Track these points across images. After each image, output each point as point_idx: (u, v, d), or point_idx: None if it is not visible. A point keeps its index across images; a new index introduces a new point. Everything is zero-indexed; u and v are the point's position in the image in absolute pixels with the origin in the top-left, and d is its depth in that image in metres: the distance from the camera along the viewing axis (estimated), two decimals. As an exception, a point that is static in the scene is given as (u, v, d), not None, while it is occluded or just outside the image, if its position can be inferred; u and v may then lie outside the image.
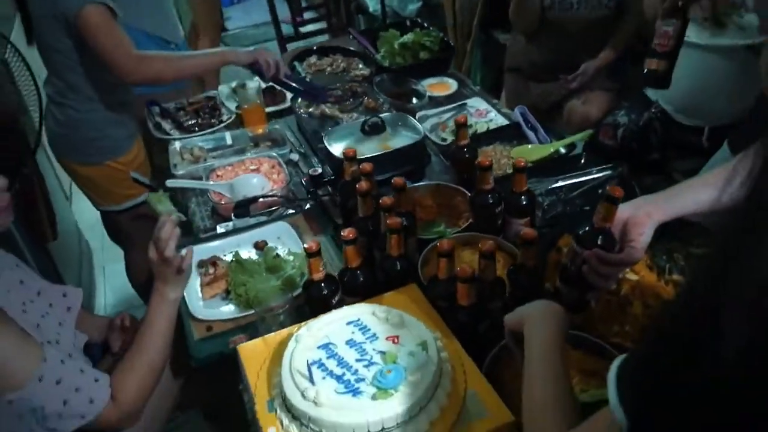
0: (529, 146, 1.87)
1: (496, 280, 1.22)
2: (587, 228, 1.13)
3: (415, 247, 1.43)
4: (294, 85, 2.14)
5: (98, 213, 2.37)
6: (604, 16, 2.37)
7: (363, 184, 1.35)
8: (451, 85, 2.25)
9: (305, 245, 1.20)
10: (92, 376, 1.21)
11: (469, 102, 2.16)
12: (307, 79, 2.31)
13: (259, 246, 1.53)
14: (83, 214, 3.24)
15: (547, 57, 2.49)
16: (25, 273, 1.37)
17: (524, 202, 1.42)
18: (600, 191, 1.62)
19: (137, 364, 1.26)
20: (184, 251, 1.33)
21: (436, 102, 2.16)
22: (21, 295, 1.29)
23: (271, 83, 2.16)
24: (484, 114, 2.10)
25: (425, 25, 2.56)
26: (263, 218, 1.68)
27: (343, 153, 1.48)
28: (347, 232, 1.22)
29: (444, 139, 1.94)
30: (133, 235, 2.32)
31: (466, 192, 1.60)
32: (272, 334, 1.18)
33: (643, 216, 1.07)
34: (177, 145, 2.00)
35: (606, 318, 1.27)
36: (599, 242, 1.10)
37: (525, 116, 2.00)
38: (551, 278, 1.30)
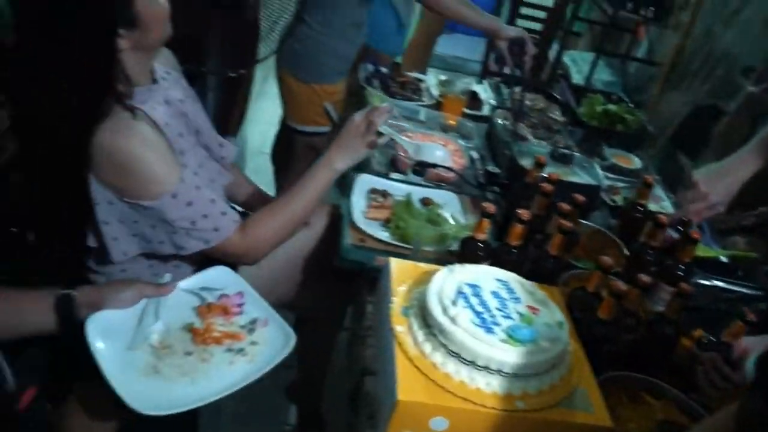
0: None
1: (638, 314, 1.26)
2: (714, 337, 1.28)
3: (564, 264, 1.49)
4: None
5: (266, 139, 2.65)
6: None
7: (546, 186, 1.46)
8: (635, 162, 2.29)
9: (484, 204, 1.30)
10: (221, 208, 1.35)
11: (647, 184, 2.19)
12: (504, 104, 2.45)
13: (426, 202, 1.65)
14: (252, 135, 3.54)
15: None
16: (196, 107, 1.47)
17: (682, 273, 1.45)
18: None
19: (280, 209, 1.41)
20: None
21: (616, 169, 2.22)
22: (182, 122, 1.39)
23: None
24: (658, 201, 2.12)
25: (630, 105, 2.63)
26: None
27: (535, 157, 1.59)
28: (522, 212, 1.31)
29: (614, 201, 1.99)
30: (296, 159, 2.53)
31: (623, 246, 1.65)
32: (423, 263, 1.29)
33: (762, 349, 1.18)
34: (379, 96, 2.19)
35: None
36: (720, 351, 1.22)
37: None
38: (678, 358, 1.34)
